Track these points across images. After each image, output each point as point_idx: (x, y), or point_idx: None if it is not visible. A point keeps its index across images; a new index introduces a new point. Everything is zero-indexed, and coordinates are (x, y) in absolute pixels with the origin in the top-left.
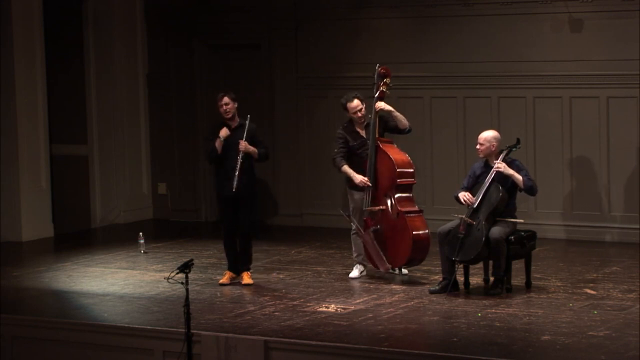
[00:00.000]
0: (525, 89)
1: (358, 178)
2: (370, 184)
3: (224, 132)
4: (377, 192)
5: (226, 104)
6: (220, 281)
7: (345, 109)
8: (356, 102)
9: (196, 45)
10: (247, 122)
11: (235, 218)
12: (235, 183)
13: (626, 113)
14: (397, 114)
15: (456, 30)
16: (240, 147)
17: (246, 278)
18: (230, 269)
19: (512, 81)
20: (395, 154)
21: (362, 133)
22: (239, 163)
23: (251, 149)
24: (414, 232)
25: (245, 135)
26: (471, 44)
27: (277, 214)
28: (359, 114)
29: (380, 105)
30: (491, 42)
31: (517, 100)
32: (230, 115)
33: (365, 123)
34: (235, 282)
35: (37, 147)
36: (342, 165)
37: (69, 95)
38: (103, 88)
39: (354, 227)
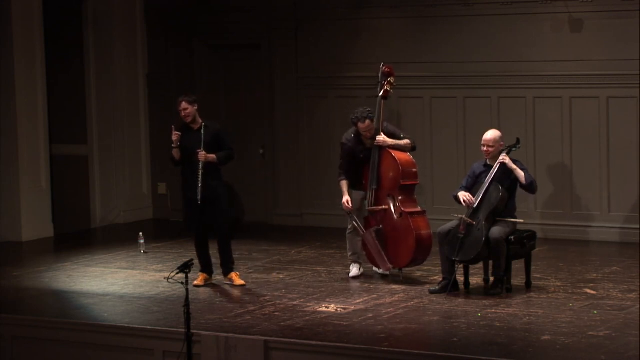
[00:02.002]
0: (525, 89)
1: (343, 200)
2: (370, 184)
3: (175, 136)
4: (380, 192)
5: (184, 109)
6: (195, 283)
7: (355, 126)
8: (367, 123)
9: (196, 45)
10: (203, 130)
11: (208, 222)
12: (199, 195)
13: (626, 113)
14: (399, 143)
15: (456, 30)
16: (199, 157)
17: (237, 279)
18: (203, 270)
19: (512, 81)
20: (399, 154)
21: (368, 144)
22: (200, 174)
23: (210, 157)
24: (417, 233)
25: (202, 144)
26: (471, 44)
27: (277, 214)
28: (368, 134)
29: (379, 141)
30: (491, 42)
31: (517, 100)
32: (190, 119)
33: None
34: (209, 283)
35: (37, 147)
36: (340, 180)
37: (69, 95)
38: (103, 88)
39: (350, 226)
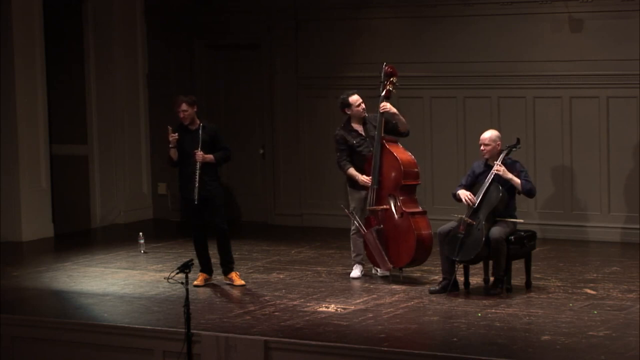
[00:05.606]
0: (525, 89)
1: (361, 178)
2: (372, 183)
3: (172, 138)
4: (381, 192)
5: (184, 111)
6: (195, 283)
7: (347, 104)
8: (357, 96)
9: (196, 45)
10: (200, 131)
11: (207, 221)
12: (196, 195)
13: (626, 113)
14: (400, 117)
15: (456, 30)
16: (197, 158)
17: (237, 279)
18: (203, 270)
19: (512, 81)
20: (401, 153)
21: (360, 130)
22: (197, 175)
23: (208, 158)
24: (418, 233)
25: (200, 144)
26: (471, 44)
27: (277, 214)
28: (361, 108)
29: (386, 107)
30: (491, 42)
31: (517, 100)
32: (188, 121)
33: (362, 119)
34: (209, 283)
35: (37, 147)
36: (347, 169)
37: (69, 95)
38: (103, 88)
39: (353, 227)
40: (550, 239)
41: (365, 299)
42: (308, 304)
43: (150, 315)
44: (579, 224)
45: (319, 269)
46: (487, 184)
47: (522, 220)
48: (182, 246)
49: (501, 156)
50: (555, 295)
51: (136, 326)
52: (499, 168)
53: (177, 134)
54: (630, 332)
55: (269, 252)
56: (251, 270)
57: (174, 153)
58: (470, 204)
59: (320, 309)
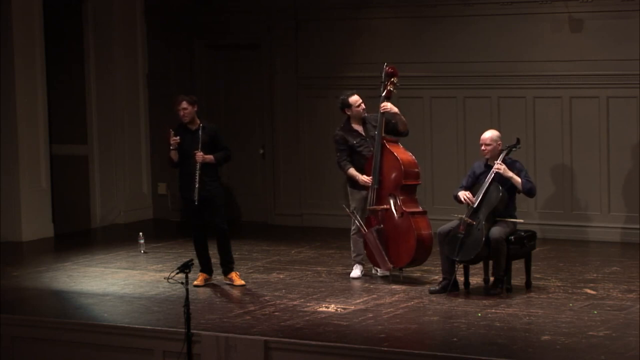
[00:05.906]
0: (525, 89)
1: (361, 178)
2: (372, 183)
3: (173, 141)
4: (381, 192)
5: (184, 109)
6: (195, 283)
7: (347, 105)
8: (357, 97)
9: (196, 45)
10: (200, 131)
11: (207, 221)
12: (196, 196)
13: (626, 113)
14: (401, 116)
15: (456, 30)
16: (197, 158)
17: (237, 279)
18: (203, 270)
19: (512, 81)
20: (402, 153)
21: (360, 130)
22: (197, 175)
23: (208, 158)
24: (418, 233)
25: (200, 145)
26: (471, 44)
27: (277, 214)
28: (361, 108)
29: (387, 107)
30: (491, 42)
31: (517, 100)
32: (188, 120)
33: (362, 119)
34: (209, 283)
35: (37, 147)
36: (348, 169)
37: (69, 95)
38: (103, 88)
39: (354, 227)
40: (550, 239)
41: (365, 299)
42: (308, 304)
43: (150, 315)
44: (579, 224)
45: (319, 269)
46: (487, 184)
47: (522, 220)
48: (182, 246)
49: (501, 156)
50: (555, 295)
51: (136, 326)
52: (499, 166)
53: (178, 137)
54: (630, 332)
55: (269, 252)
56: (251, 270)
57: (174, 154)
58: (470, 203)
59: (320, 309)
